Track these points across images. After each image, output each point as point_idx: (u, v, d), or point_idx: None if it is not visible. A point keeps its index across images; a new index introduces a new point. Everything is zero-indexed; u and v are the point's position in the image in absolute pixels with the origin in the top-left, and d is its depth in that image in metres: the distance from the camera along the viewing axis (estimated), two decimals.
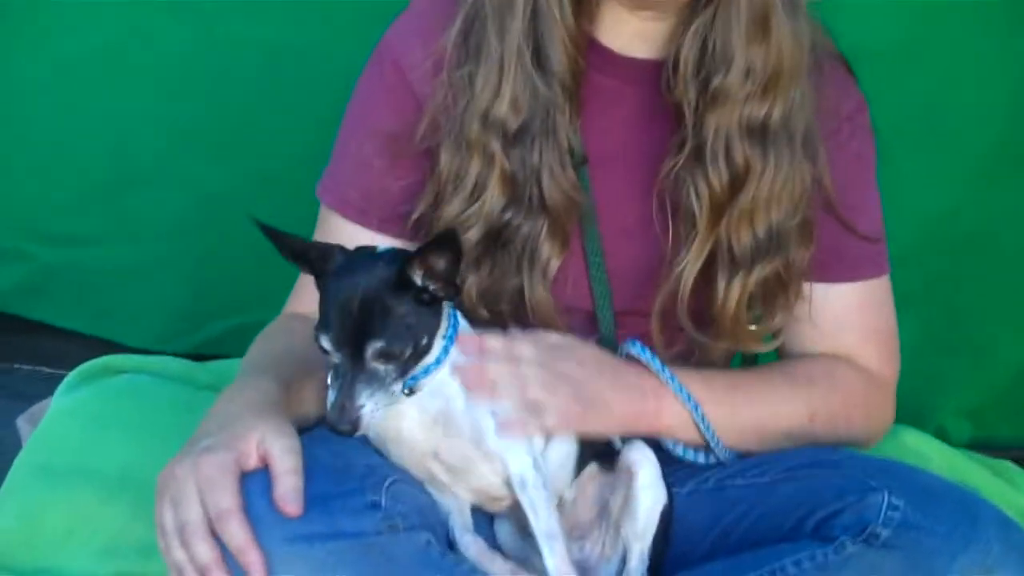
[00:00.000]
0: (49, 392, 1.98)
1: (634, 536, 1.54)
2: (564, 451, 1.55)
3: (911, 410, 2.28)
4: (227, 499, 1.30)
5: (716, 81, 1.56)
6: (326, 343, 1.34)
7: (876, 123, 1.76)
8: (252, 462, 1.34)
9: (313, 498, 1.32)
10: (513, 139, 1.58)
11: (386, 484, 1.39)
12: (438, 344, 1.42)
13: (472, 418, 1.45)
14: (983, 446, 2.45)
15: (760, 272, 1.63)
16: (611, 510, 1.57)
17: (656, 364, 1.59)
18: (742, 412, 1.64)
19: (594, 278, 1.68)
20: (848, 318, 1.74)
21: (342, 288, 1.35)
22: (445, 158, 1.61)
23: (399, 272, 1.35)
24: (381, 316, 1.34)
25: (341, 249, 1.40)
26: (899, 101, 2.25)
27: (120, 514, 1.74)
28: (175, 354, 2.36)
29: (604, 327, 1.70)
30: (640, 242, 1.68)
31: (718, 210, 1.60)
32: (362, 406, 1.33)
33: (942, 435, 2.44)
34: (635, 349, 1.60)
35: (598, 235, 1.67)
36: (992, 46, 2.35)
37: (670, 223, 1.64)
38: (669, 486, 1.59)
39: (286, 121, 2.39)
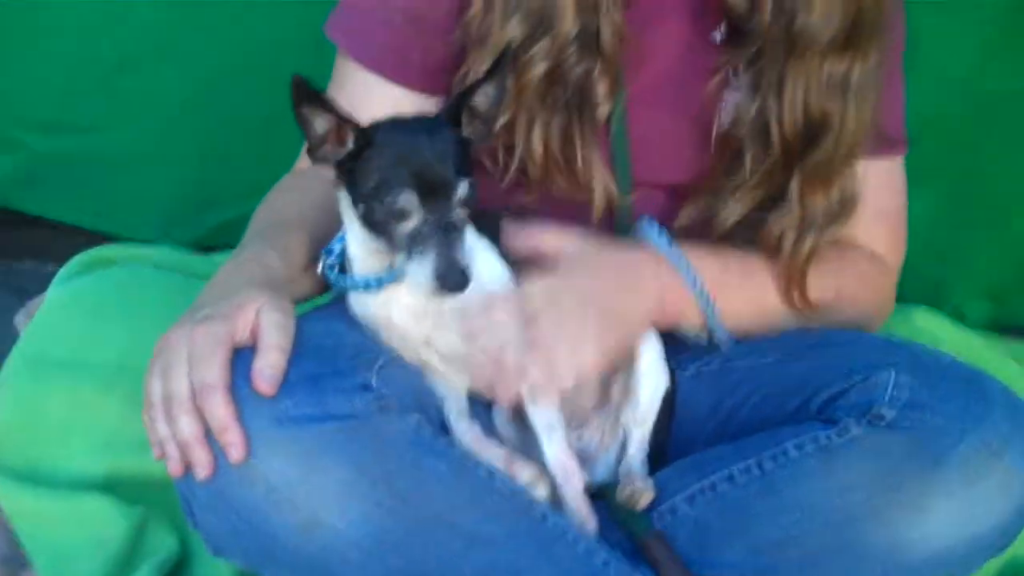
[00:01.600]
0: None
1: (634, 422, 1.51)
2: None
3: (927, 289, 2.27)
4: (213, 373, 1.25)
5: (799, 21, 1.49)
6: (408, 200, 1.28)
7: None
8: (247, 336, 1.30)
9: (302, 378, 1.28)
10: None
11: (378, 365, 1.35)
12: None
13: (463, 311, 1.39)
14: (1002, 327, 2.39)
15: (834, 232, 1.58)
16: (612, 396, 1.54)
17: (674, 255, 1.52)
18: (751, 296, 1.59)
19: (615, 144, 1.60)
20: (861, 197, 1.66)
21: (404, 144, 1.30)
22: None
23: (453, 115, 1.33)
24: (456, 154, 1.30)
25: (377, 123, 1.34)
26: None
27: (118, 405, 1.71)
28: (178, 244, 2.31)
29: (621, 196, 1.61)
30: (669, 113, 1.61)
31: (787, 159, 1.54)
32: (464, 255, 1.28)
33: (959, 316, 2.37)
34: (651, 232, 1.53)
35: (624, 98, 1.58)
36: None
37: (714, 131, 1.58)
38: (671, 369, 1.55)
39: None
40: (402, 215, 1.29)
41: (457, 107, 1.33)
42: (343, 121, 1.30)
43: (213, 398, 1.25)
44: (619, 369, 1.52)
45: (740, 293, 1.57)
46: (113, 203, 2.47)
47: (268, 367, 1.27)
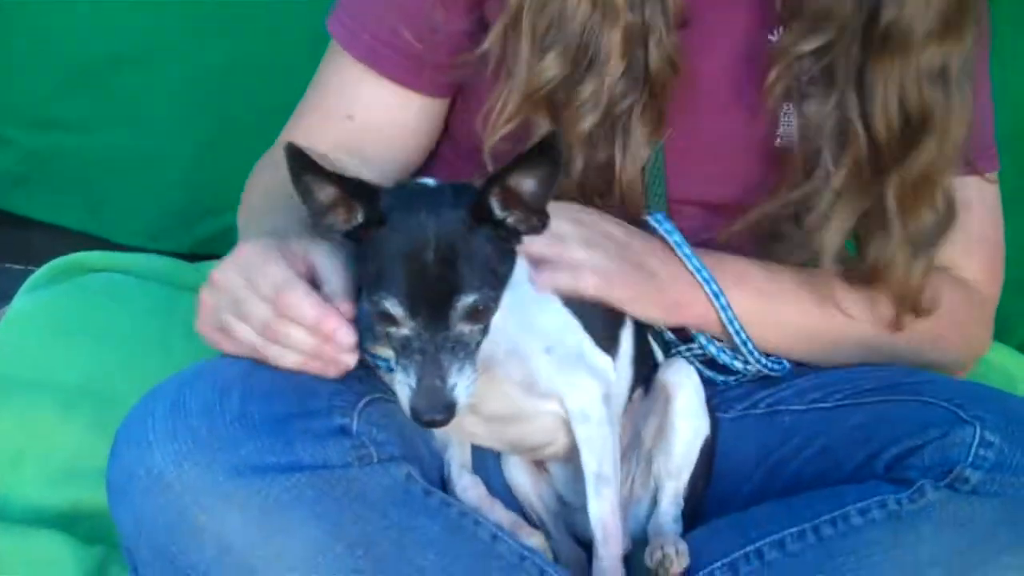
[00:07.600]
0: None
1: (667, 473, 1.32)
2: (624, 378, 1.32)
3: (996, 320, 2.07)
4: (277, 273, 1.12)
5: (887, 16, 1.29)
6: (395, 308, 1.07)
7: None
8: (299, 265, 1.14)
9: (269, 420, 1.11)
10: None
11: (361, 403, 1.17)
12: None
13: (521, 356, 1.20)
14: None
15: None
16: (643, 440, 1.34)
17: (676, 237, 1.34)
18: (789, 308, 1.38)
19: (650, 158, 1.40)
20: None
21: (407, 233, 1.08)
22: None
23: (477, 203, 1.09)
24: (466, 264, 1.08)
25: (386, 189, 1.13)
26: None
27: (79, 432, 1.56)
28: (169, 252, 2.17)
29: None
30: (715, 124, 1.41)
31: (878, 168, 1.33)
32: (455, 385, 1.07)
33: None
34: (653, 220, 1.35)
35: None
36: None
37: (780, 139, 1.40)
38: (713, 410, 1.36)
39: None
40: (390, 321, 1.09)
41: (486, 191, 1.10)
42: (352, 196, 1.10)
43: (293, 297, 1.11)
44: (653, 408, 1.33)
45: (763, 299, 1.38)
46: (103, 205, 2.34)
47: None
